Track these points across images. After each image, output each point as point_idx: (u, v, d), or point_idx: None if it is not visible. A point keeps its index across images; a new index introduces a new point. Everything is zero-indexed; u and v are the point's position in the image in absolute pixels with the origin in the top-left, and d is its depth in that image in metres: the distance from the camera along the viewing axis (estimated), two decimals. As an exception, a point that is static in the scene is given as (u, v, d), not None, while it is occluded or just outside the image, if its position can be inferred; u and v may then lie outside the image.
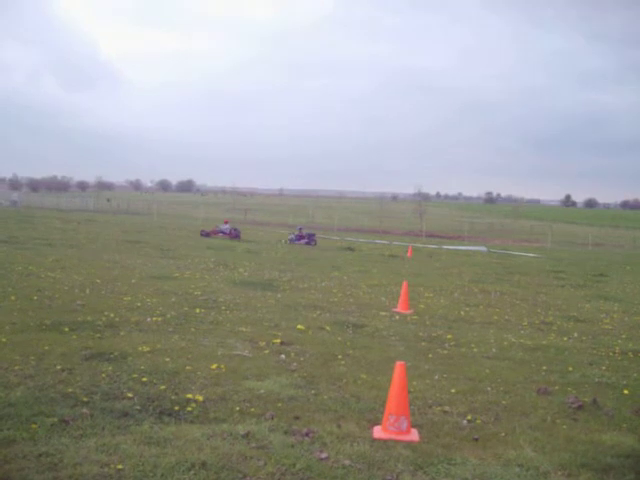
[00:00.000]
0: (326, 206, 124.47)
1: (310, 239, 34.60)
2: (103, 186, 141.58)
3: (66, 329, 8.47)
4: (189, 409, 5.60)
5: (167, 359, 7.25)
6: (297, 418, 5.57)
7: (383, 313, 12.00)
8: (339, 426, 5.44)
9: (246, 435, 5.04)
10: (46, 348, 7.34)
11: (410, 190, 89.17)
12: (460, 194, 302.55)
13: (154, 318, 9.70)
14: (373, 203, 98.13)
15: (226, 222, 37.38)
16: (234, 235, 34.86)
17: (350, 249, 31.18)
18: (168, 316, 9.96)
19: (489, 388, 7.03)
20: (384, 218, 70.07)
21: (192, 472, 4.35)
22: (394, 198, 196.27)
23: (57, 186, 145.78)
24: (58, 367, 6.59)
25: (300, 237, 34.89)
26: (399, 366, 5.52)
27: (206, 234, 34.85)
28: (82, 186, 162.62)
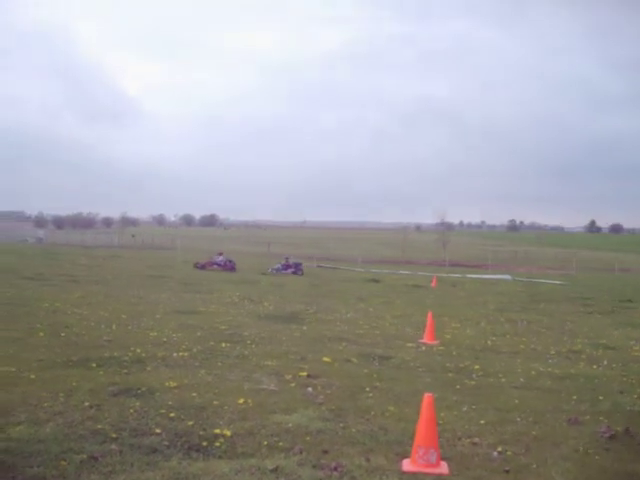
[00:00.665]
0: (349, 238, 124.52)
1: (297, 268, 34.25)
2: (127, 222, 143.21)
3: (93, 365, 8.54)
4: (217, 444, 5.59)
5: (194, 394, 7.26)
6: (325, 452, 5.54)
7: (409, 344, 11.93)
8: (368, 459, 5.39)
9: (274, 470, 5.02)
10: (74, 384, 7.41)
11: (431, 218, 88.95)
12: (483, 222, 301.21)
13: (180, 353, 9.74)
14: (396, 234, 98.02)
15: (220, 254, 35.93)
16: (229, 267, 33.83)
17: (375, 280, 31.06)
18: (194, 351, 9.99)
19: (518, 418, 6.93)
20: (408, 248, 69.83)
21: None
22: (417, 228, 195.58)
23: (82, 223, 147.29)
24: (86, 403, 6.63)
25: (287, 266, 34.54)
26: (427, 398, 5.47)
27: (201, 266, 33.86)
28: (107, 222, 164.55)
